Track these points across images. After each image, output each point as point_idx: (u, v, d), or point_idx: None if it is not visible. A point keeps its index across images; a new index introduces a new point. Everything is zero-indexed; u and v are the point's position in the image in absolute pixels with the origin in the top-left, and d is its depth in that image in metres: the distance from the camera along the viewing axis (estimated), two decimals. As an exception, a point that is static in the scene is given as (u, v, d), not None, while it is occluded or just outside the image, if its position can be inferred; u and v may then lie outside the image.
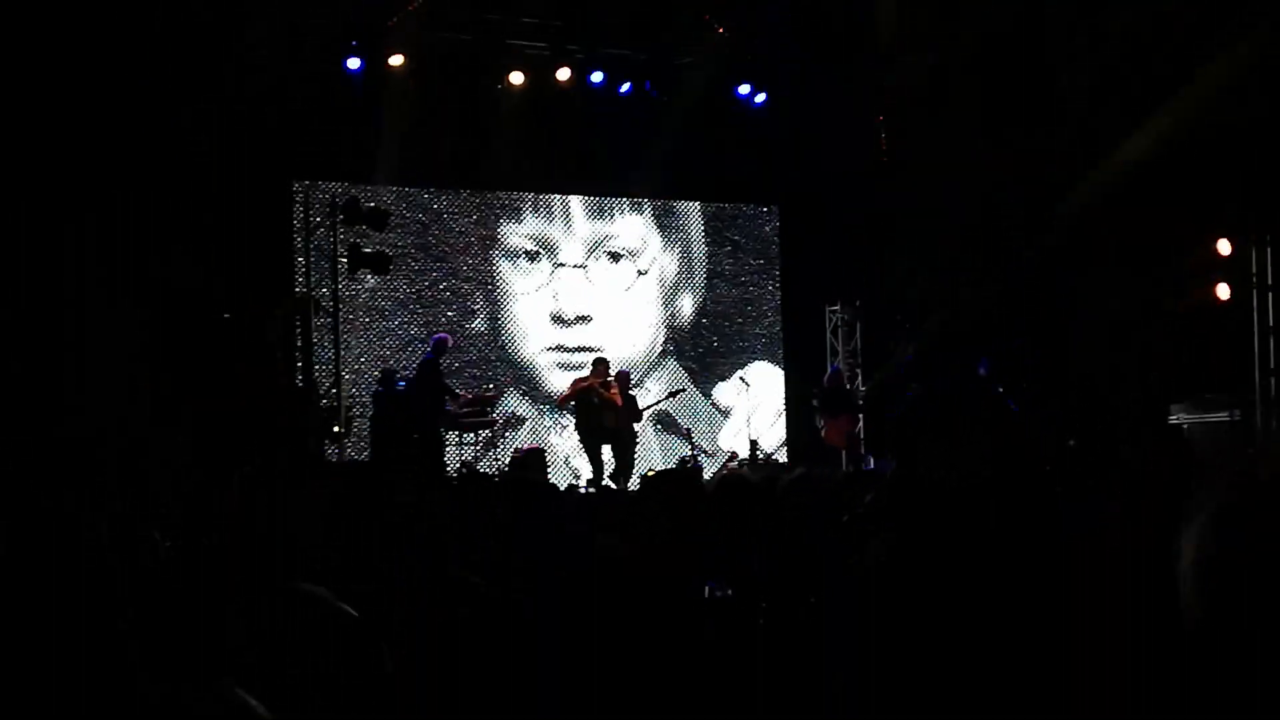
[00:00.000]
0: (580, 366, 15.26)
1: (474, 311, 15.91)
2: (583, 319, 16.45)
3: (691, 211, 17.48)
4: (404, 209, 15.50)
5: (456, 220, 16.01)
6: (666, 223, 17.30)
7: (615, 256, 16.89)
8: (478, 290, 15.95)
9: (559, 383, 15.61)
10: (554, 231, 16.53)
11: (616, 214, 16.98)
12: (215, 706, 1.47)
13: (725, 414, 17.15)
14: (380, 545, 3.78)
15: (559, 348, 16.25)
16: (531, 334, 16.18)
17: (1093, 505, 3.24)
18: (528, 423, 15.93)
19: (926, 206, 15.93)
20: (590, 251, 16.71)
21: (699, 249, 17.49)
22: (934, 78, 15.42)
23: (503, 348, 16.04)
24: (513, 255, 16.25)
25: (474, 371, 15.60)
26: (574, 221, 16.69)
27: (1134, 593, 2.32)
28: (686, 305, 17.40)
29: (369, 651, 1.52)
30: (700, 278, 17.48)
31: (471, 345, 15.75)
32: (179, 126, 12.91)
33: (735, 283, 17.67)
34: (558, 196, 16.55)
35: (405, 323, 15.46)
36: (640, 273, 17.03)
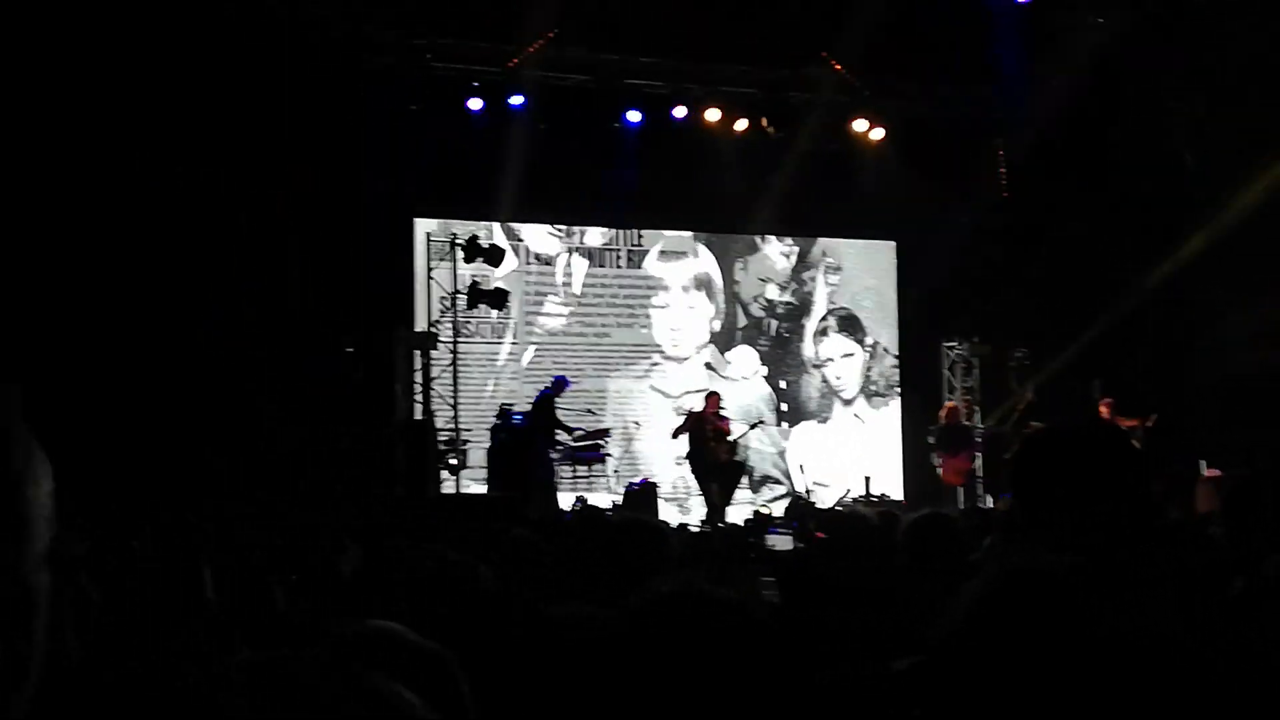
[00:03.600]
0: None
1: (589, 347, 16.07)
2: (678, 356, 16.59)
3: (814, 248, 17.49)
4: (520, 247, 15.76)
5: (573, 258, 16.22)
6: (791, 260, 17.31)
7: (731, 293, 16.97)
8: (593, 327, 16.08)
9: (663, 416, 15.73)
10: (669, 268, 16.65)
11: (738, 251, 17.06)
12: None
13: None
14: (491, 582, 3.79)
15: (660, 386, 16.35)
16: (635, 370, 16.31)
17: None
18: (639, 456, 16.00)
19: (1045, 242, 15.72)
20: (699, 287, 16.80)
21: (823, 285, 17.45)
22: (1052, 115, 15.25)
23: (620, 381, 16.18)
24: (626, 290, 16.42)
25: (587, 404, 15.69)
26: (693, 257, 16.82)
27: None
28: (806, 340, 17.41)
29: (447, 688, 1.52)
30: (819, 313, 17.46)
31: (585, 380, 15.87)
32: (309, 163, 13.27)
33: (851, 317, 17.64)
34: (682, 234, 16.70)
35: (518, 357, 15.67)
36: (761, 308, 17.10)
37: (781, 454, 16.90)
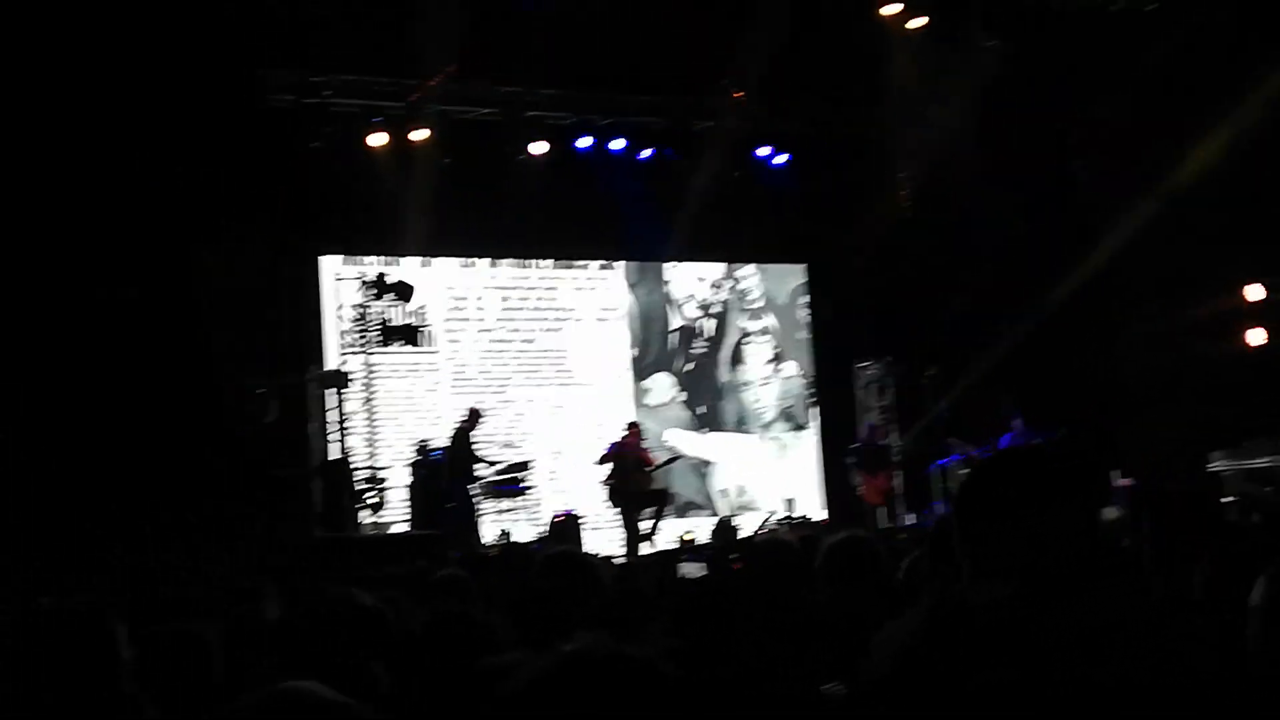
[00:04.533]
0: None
1: (504, 379, 15.97)
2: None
3: (717, 272, 17.58)
4: (430, 281, 15.62)
5: (483, 290, 16.12)
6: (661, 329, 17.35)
7: (644, 319, 16.99)
8: (491, 396, 15.97)
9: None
10: (581, 298, 16.64)
11: (649, 279, 17.09)
12: None
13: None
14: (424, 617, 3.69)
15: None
16: (552, 400, 16.25)
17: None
18: (559, 487, 15.92)
19: (954, 257, 15.95)
20: (612, 315, 16.81)
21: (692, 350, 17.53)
22: (953, 127, 15.52)
23: (535, 415, 16.11)
24: (538, 321, 16.37)
25: (506, 438, 15.59)
26: (604, 286, 16.81)
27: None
28: (722, 367, 17.48)
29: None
30: (733, 338, 17.54)
31: (503, 411, 15.76)
32: (212, 203, 13.05)
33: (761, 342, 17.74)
34: (587, 263, 16.69)
35: (435, 393, 15.51)
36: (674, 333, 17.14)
37: (704, 479, 16.92)
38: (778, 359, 17.79)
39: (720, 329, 17.58)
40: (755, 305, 17.79)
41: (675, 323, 17.35)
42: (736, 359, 17.60)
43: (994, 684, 1.28)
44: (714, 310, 17.59)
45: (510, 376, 16.13)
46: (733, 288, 17.70)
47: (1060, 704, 1.29)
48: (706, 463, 17.07)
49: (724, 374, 17.51)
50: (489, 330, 16.16)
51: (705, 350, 17.50)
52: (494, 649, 2.57)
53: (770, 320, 17.83)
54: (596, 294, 16.84)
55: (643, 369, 17.03)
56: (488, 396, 15.60)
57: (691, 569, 10.62)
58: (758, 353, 17.75)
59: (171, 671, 3.74)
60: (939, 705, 1.29)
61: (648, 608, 4.09)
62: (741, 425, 17.47)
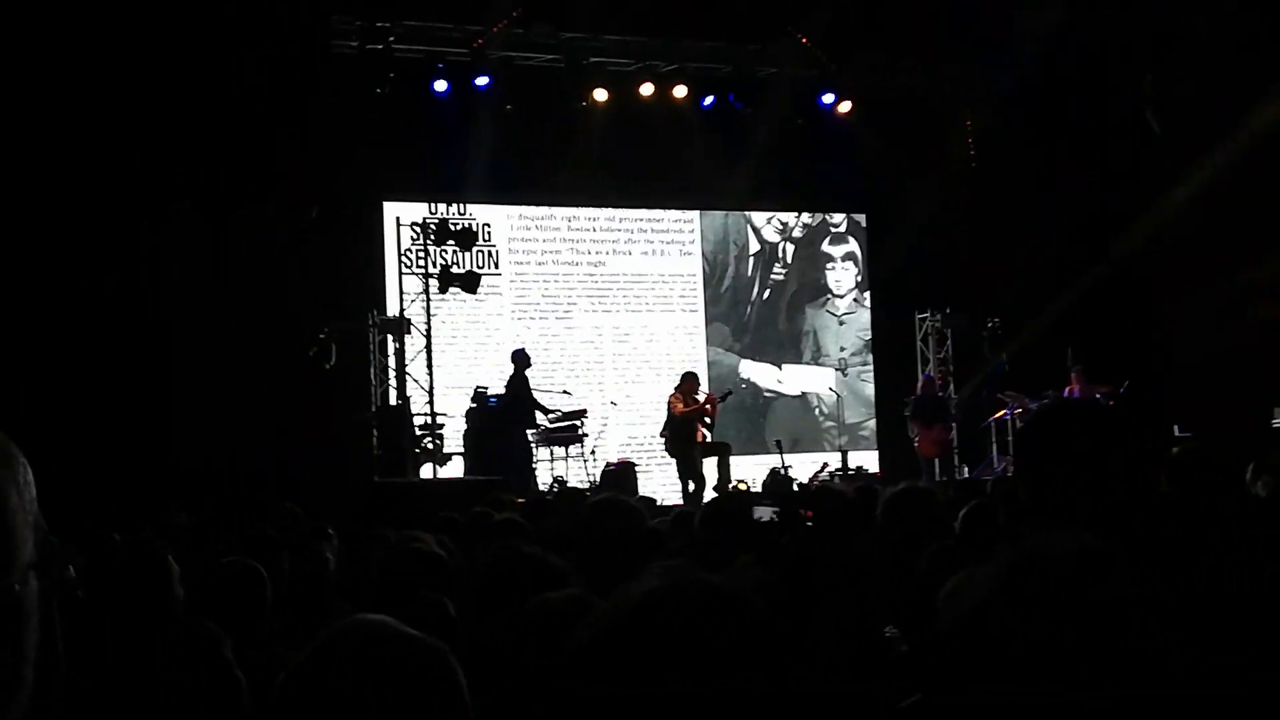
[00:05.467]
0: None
1: (553, 344, 16.01)
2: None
3: (777, 222, 17.48)
4: (493, 229, 15.67)
5: (537, 257, 16.11)
6: (739, 253, 17.27)
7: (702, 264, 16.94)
8: (556, 322, 16.01)
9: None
10: (629, 264, 16.60)
11: (687, 246, 17.00)
12: None
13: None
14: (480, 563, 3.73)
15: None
16: (604, 364, 16.29)
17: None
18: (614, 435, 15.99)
19: (1015, 212, 15.77)
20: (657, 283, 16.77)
21: (772, 276, 17.44)
22: (1023, 84, 15.29)
23: (593, 360, 16.15)
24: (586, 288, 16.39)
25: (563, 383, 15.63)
26: (648, 254, 16.78)
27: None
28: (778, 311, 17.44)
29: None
30: (776, 303, 17.46)
31: (553, 374, 15.77)
32: (274, 150, 13.16)
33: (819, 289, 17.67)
34: (634, 232, 16.66)
35: (491, 354, 15.58)
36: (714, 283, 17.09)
37: (760, 423, 16.92)
38: (858, 287, 17.73)
39: (784, 277, 17.48)
40: (839, 229, 17.70)
41: (754, 247, 17.29)
42: (794, 308, 17.52)
43: (1079, 635, 1.26)
44: (794, 234, 17.51)
45: (576, 301, 16.17)
46: (795, 238, 17.59)
47: (1152, 671, 1.28)
48: (767, 405, 17.02)
49: (781, 322, 17.44)
50: (556, 251, 16.15)
51: (783, 276, 17.42)
52: (556, 585, 2.61)
53: (854, 245, 17.73)
54: (667, 217, 16.79)
55: (719, 295, 16.97)
56: (553, 322, 15.66)
57: (764, 513, 10.66)
58: (843, 279, 17.66)
59: (228, 602, 3.85)
60: (1021, 662, 1.28)
61: (723, 547, 4.12)
62: (819, 358, 17.46)
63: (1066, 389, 14.50)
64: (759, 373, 17.05)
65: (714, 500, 7.85)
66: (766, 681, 1.17)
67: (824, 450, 16.81)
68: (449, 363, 15.10)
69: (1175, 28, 14.51)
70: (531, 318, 15.75)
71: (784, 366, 17.23)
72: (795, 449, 16.41)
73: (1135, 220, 15.01)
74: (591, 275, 16.26)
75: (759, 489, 14.28)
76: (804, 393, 17.31)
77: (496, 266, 15.63)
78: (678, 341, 16.53)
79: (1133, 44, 15.05)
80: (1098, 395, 14.15)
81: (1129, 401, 13.96)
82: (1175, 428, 13.61)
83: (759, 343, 17.19)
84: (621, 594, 1.26)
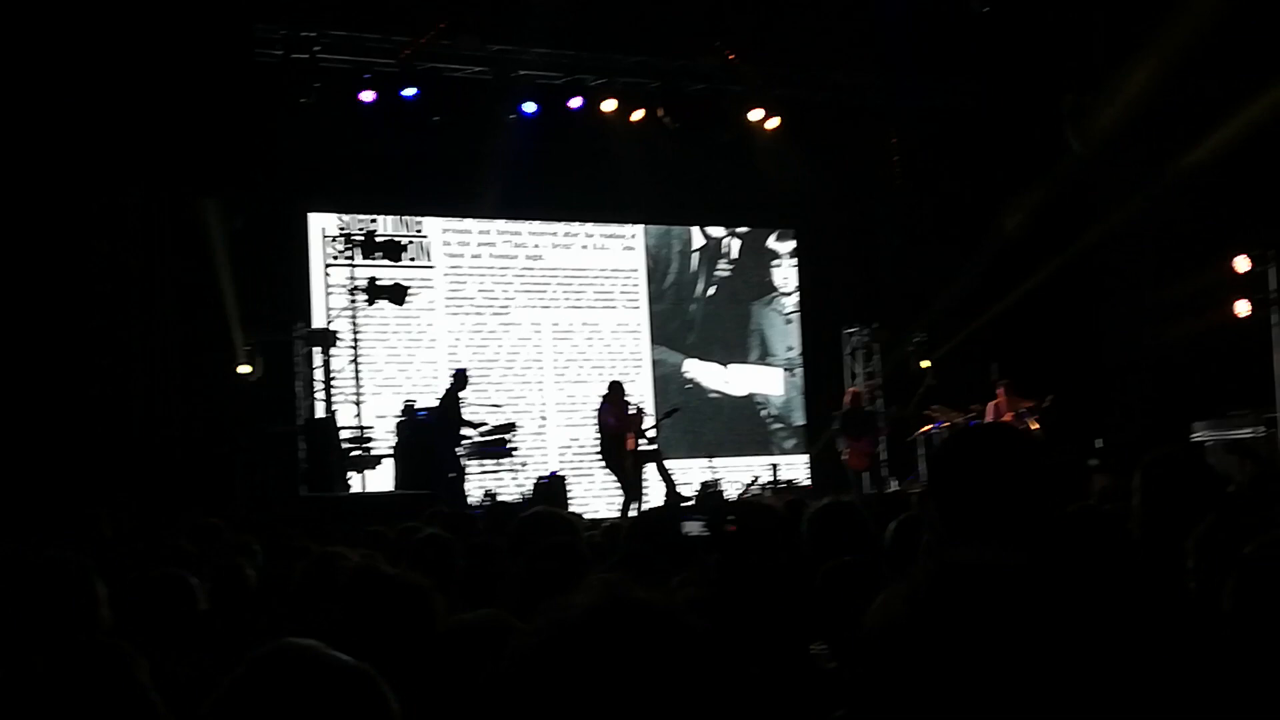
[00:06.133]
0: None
1: (489, 341, 15.88)
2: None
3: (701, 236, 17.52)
4: (419, 240, 15.54)
5: (472, 250, 16.02)
6: (683, 248, 17.29)
7: (623, 281, 16.91)
8: (493, 318, 15.92)
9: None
10: (568, 258, 16.55)
11: (629, 240, 17.00)
12: None
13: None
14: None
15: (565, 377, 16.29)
16: (544, 362, 16.19)
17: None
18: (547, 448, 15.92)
19: (942, 227, 15.94)
20: (598, 278, 16.73)
21: (716, 272, 17.46)
22: (942, 102, 15.47)
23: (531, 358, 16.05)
24: (525, 282, 16.28)
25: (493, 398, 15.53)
26: (588, 248, 16.73)
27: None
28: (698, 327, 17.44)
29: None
30: (723, 301, 17.47)
31: (488, 372, 15.69)
32: (199, 161, 12.95)
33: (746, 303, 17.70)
34: (573, 225, 16.60)
35: (424, 353, 15.46)
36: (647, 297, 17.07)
37: (704, 430, 16.88)
38: (764, 322, 17.77)
39: (745, 249, 17.42)
40: (742, 270, 17.69)
41: (698, 241, 17.25)
42: (765, 284, 17.45)
43: (1001, 647, 1.26)
44: (739, 229, 17.45)
45: (514, 296, 15.99)
46: (722, 252, 17.63)
47: (1070, 670, 1.28)
48: (712, 407, 16.98)
49: (750, 298, 17.38)
50: (491, 244, 15.94)
51: (729, 273, 17.40)
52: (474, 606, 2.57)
53: (758, 285, 17.76)
54: (574, 252, 16.64)
55: (663, 292, 16.90)
56: (489, 318, 15.55)
57: (693, 528, 10.62)
58: (790, 276, 17.62)
59: (155, 614, 3.77)
60: (946, 666, 1.27)
61: (651, 562, 4.09)
62: (766, 357, 17.47)
63: (992, 403, 14.69)
64: (705, 373, 17.05)
65: (642, 515, 7.84)
66: (703, 703, 1.14)
67: (771, 454, 16.86)
68: (379, 359, 14.94)
69: (1095, 46, 14.76)
70: (466, 313, 15.61)
71: (730, 366, 17.24)
72: (741, 452, 16.45)
73: (1062, 235, 15.22)
74: (530, 269, 16.11)
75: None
76: (751, 394, 17.34)
77: (429, 258, 15.47)
78: (620, 339, 16.48)
79: (1053, 62, 15.27)
80: (1023, 409, 14.36)
81: (1054, 415, 14.16)
82: (1097, 441, 13.82)
83: (705, 341, 17.16)
84: (553, 611, 1.23)
